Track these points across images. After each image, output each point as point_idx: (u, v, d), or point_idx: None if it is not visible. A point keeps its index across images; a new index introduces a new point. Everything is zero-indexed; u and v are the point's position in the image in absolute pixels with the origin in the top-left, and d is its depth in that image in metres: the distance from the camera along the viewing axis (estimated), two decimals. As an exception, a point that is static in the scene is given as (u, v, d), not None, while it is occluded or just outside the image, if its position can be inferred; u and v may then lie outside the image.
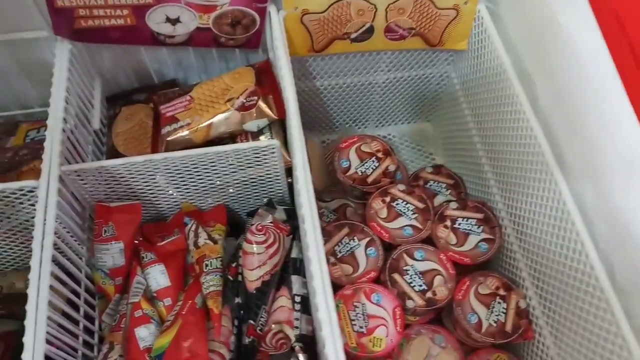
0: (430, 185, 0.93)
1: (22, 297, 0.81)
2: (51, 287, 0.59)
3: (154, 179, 0.73)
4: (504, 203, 0.82)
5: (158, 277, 0.72)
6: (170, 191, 0.77)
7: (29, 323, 0.56)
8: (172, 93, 0.83)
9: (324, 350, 0.54)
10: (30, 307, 0.57)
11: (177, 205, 0.80)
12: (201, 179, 0.75)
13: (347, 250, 0.80)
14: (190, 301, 0.69)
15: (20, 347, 0.69)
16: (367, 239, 0.81)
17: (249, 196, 0.81)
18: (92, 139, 0.82)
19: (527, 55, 0.76)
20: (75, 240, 0.70)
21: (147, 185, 0.74)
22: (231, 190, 0.78)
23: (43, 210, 0.63)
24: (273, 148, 0.69)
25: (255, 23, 0.80)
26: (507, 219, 0.81)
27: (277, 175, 0.76)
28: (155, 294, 0.71)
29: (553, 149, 0.69)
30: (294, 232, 0.77)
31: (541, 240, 0.72)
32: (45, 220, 0.62)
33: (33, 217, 0.74)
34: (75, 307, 0.66)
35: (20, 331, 0.71)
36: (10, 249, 0.81)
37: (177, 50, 0.86)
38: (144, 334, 0.66)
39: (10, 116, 0.93)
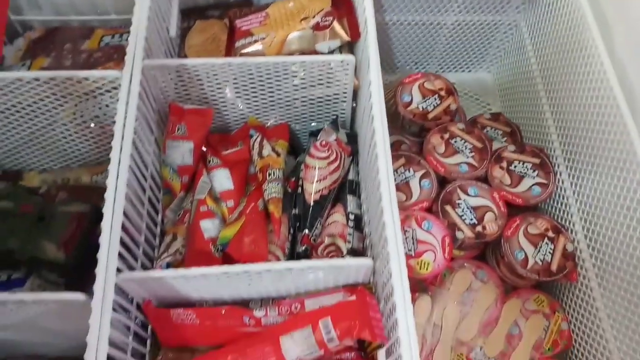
0: (487, 131, 0.94)
1: (87, 190, 0.86)
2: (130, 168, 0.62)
3: (226, 88, 0.76)
4: (563, 149, 0.82)
5: (223, 180, 0.75)
6: (239, 103, 0.79)
7: (108, 198, 0.59)
8: (248, 9, 0.85)
9: (386, 247, 0.56)
10: (110, 183, 0.60)
11: (242, 119, 0.83)
12: (271, 92, 0.77)
13: (402, 180, 0.82)
14: (252, 203, 0.72)
15: (89, 226, 0.73)
16: (422, 171, 0.83)
17: (312, 117, 0.83)
18: (164, 48, 0.85)
19: (608, 4, 0.76)
20: (150, 133, 0.73)
21: (218, 93, 0.77)
22: (297, 106, 0.80)
23: (125, 99, 0.66)
24: (347, 64, 0.70)
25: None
26: (564, 165, 0.82)
27: (345, 96, 0.78)
28: (219, 195, 0.75)
29: (628, 101, 0.68)
30: (353, 155, 0.79)
31: (602, 191, 0.72)
32: (127, 109, 0.65)
33: (107, 113, 0.78)
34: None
35: (88, 213, 0.75)
36: (81, 143, 0.85)
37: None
38: (209, 226, 0.69)
39: (86, 21, 0.96)
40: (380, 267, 0.61)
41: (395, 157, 0.84)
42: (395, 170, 0.83)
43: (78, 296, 0.55)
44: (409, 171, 0.83)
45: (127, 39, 0.91)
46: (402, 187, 0.82)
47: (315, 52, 0.79)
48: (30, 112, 0.77)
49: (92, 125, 0.81)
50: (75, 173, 0.88)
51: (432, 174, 0.83)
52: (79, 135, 0.83)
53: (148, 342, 0.67)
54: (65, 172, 0.88)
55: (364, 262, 0.60)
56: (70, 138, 0.83)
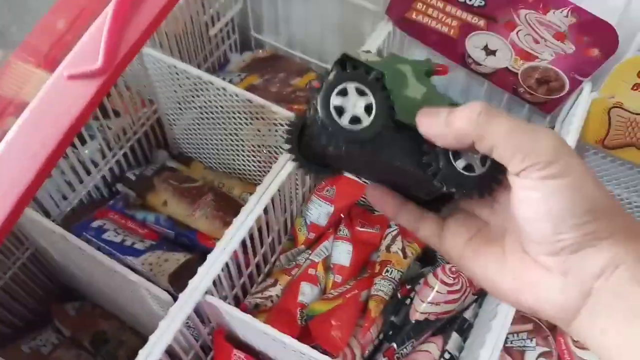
0: None
1: (230, 202, 0.90)
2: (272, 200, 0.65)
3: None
4: None
5: (342, 254, 0.75)
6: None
7: (235, 225, 0.62)
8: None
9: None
10: (244, 210, 0.63)
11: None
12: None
13: (519, 346, 0.74)
14: (356, 291, 0.70)
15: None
16: (546, 349, 0.74)
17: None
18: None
19: None
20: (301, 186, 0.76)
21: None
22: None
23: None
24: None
25: (563, 90, 0.77)
26: None
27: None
28: (332, 266, 0.74)
29: None
30: (481, 298, 0.74)
31: None
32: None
33: (281, 146, 0.83)
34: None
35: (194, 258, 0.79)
36: (248, 160, 0.90)
37: (474, 78, 0.87)
38: (307, 291, 0.69)
39: (307, 61, 1.04)
40: None
41: (523, 320, 0.76)
42: (517, 333, 0.75)
43: (166, 297, 0.58)
44: (531, 341, 0.74)
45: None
46: (515, 354, 0.73)
47: None
48: (222, 115, 0.84)
49: (265, 150, 0.86)
50: (231, 183, 0.94)
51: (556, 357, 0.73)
52: (250, 152, 0.89)
53: (203, 365, 0.68)
54: (223, 178, 0.95)
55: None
56: (241, 151, 0.89)
